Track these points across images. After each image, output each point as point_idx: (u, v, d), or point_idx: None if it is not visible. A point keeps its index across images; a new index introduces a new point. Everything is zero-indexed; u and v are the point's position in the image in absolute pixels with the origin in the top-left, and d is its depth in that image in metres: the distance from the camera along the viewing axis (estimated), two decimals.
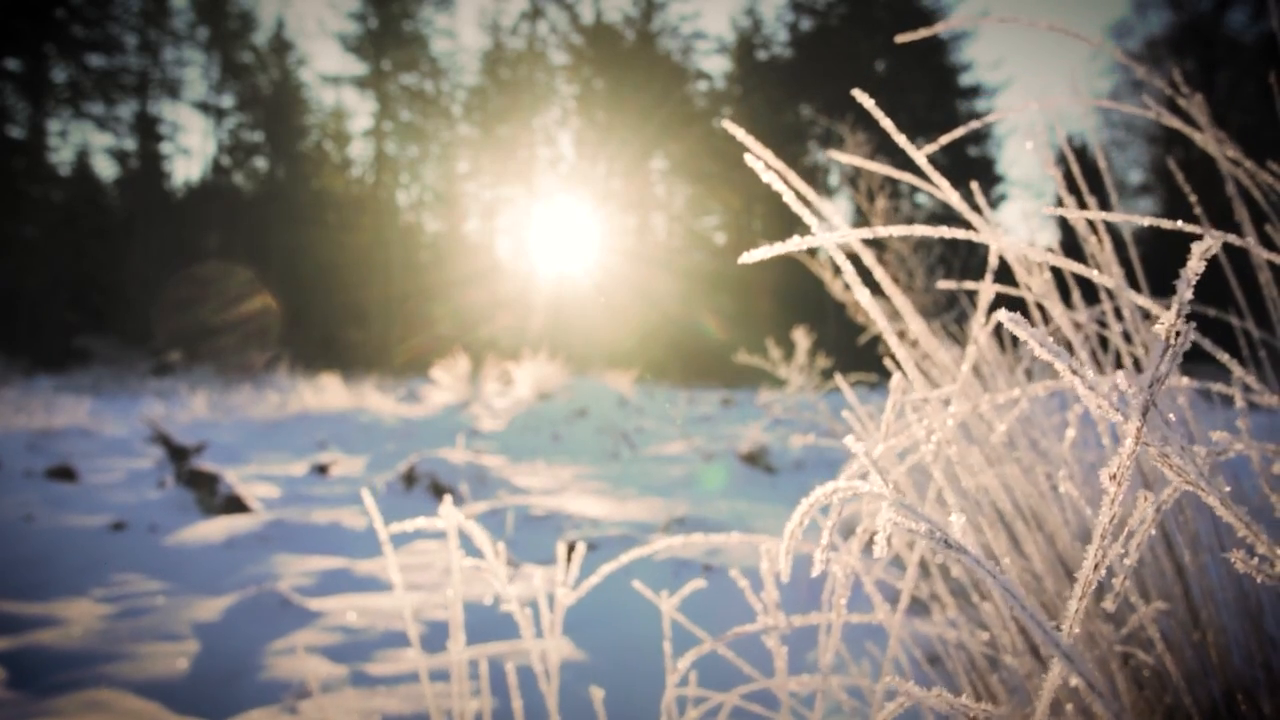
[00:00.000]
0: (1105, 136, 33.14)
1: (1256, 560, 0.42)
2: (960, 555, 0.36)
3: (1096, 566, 0.39)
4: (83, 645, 2.27)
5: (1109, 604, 0.48)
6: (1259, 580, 0.43)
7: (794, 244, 0.65)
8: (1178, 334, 0.35)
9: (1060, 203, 1.15)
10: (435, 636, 2.37)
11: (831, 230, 0.72)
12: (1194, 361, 1.16)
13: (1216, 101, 28.11)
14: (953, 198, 0.89)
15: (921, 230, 0.62)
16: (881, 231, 0.65)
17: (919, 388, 0.89)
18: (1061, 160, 1.26)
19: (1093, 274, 0.77)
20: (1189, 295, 0.35)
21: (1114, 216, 0.55)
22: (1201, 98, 0.90)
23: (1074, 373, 0.34)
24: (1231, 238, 0.52)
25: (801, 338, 3.67)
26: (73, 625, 2.46)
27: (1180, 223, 0.62)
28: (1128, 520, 0.42)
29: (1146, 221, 0.61)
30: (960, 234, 0.67)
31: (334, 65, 65.76)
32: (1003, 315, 0.36)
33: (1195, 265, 0.36)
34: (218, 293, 31.33)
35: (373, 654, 2.26)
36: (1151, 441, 0.36)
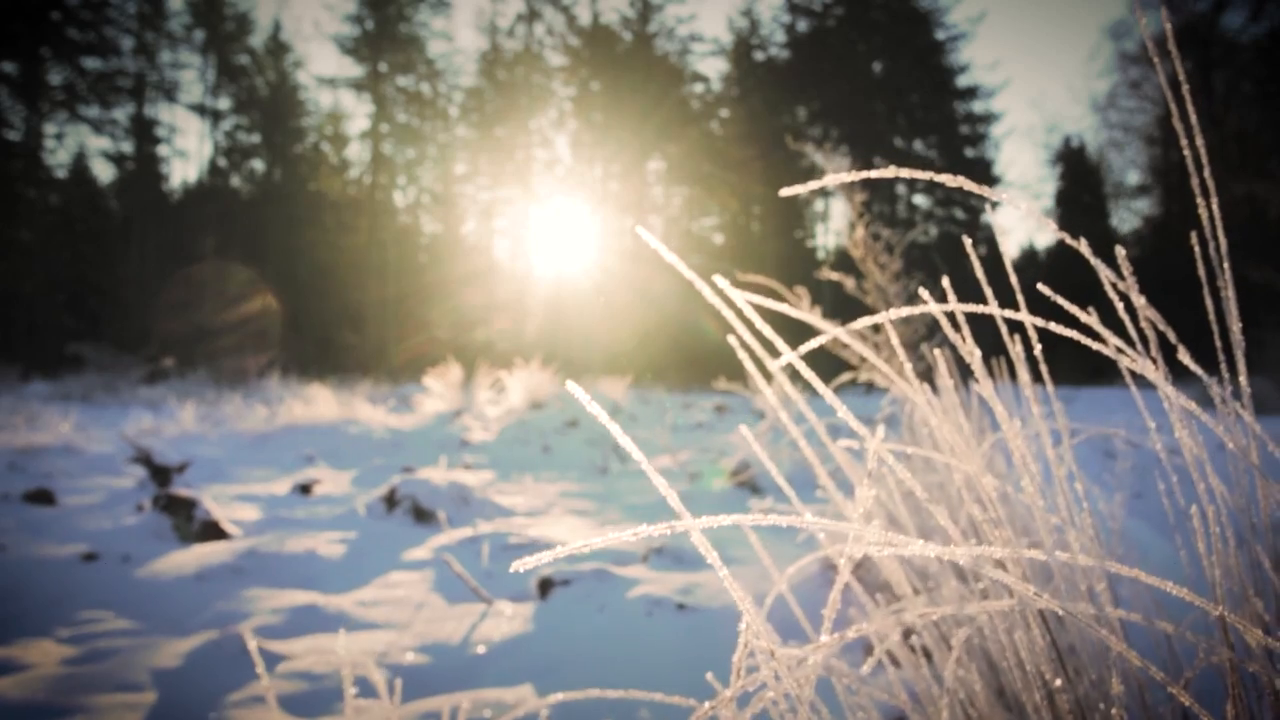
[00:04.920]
0: (1103, 137, 33.13)
1: None
2: None
3: None
4: (39, 697, 2.23)
5: None
6: None
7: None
8: None
9: (1058, 204, 1.11)
10: (402, 683, 2.32)
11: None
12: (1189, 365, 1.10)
13: (1214, 102, 28.10)
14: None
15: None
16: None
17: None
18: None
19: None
20: None
21: None
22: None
23: None
24: None
25: (781, 362, 3.62)
26: (32, 671, 2.42)
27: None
28: None
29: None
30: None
31: (331, 67, 65.79)
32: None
33: None
34: (214, 295, 31.36)
35: (335, 705, 2.22)
36: None
